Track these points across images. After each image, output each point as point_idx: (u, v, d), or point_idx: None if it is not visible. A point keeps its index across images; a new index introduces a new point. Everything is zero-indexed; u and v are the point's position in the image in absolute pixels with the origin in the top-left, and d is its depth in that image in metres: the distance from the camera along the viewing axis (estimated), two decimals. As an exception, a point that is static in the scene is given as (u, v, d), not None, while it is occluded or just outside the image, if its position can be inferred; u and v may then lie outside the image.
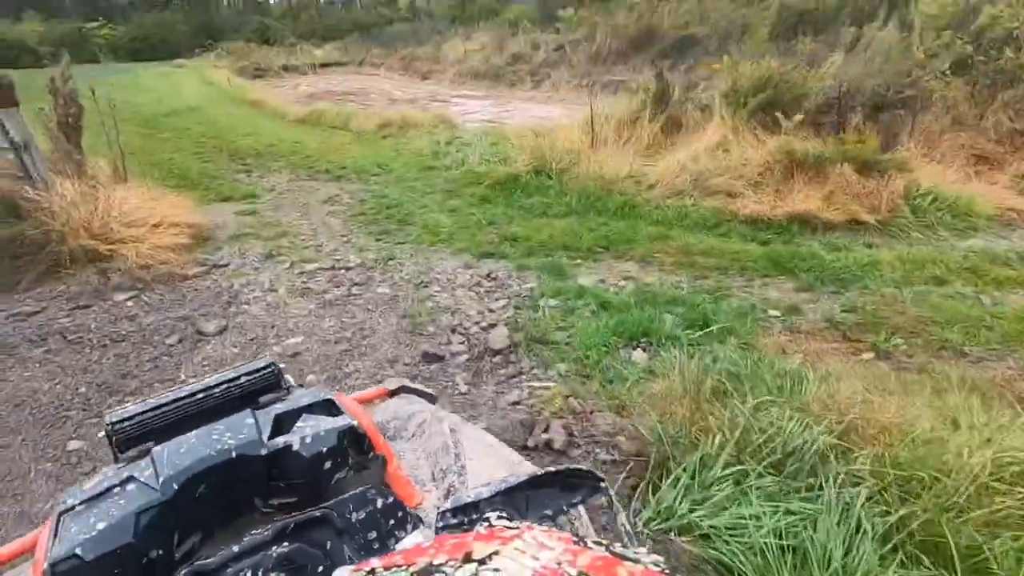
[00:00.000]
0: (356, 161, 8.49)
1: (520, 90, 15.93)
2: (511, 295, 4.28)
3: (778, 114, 6.39)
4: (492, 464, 0.86)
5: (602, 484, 0.61)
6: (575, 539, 0.42)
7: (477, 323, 3.88)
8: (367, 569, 0.40)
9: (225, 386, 0.84)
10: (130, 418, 0.79)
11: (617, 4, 15.29)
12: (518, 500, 0.57)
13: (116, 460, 0.77)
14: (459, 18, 32.00)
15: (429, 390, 1.11)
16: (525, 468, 0.85)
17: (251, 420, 0.72)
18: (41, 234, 4.57)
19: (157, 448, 0.69)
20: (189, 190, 6.85)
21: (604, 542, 0.42)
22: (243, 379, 0.86)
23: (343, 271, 4.81)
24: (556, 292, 4.21)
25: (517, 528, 0.45)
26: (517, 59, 17.09)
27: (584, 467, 0.63)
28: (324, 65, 29.03)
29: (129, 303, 4.32)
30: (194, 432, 0.71)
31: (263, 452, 0.67)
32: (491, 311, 4.06)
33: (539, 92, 15.14)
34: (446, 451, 0.86)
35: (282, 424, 0.73)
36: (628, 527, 0.67)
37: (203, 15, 38.66)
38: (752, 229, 5.41)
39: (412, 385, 1.09)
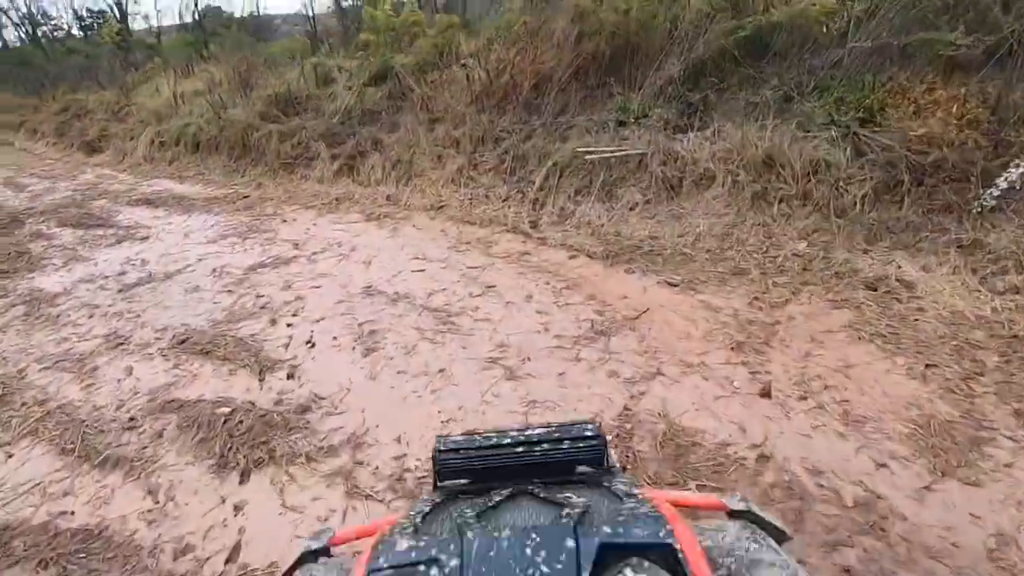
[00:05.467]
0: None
1: (310, 180, 6.50)
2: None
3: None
4: None
5: None
6: None
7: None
8: None
9: (547, 447, 0.74)
10: (456, 451, 0.75)
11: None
12: None
13: (435, 485, 0.77)
14: (193, 44, 20.65)
15: (779, 523, 0.70)
16: None
17: (572, 544, 0.53)
18: None
19: (469, 538, 0.56)
20: None
21: None
22: (567, 444, 0.74)
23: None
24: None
25: None
26: (284, 103, 7.61)
27: None
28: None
29: None
30: (507, 536, 0.55)
31: None
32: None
33: (373, 188, 5.93)
34: None
35: (606, 559, 0.52)
36: None
37: None
38: None
39: (761, 513, 0.71)
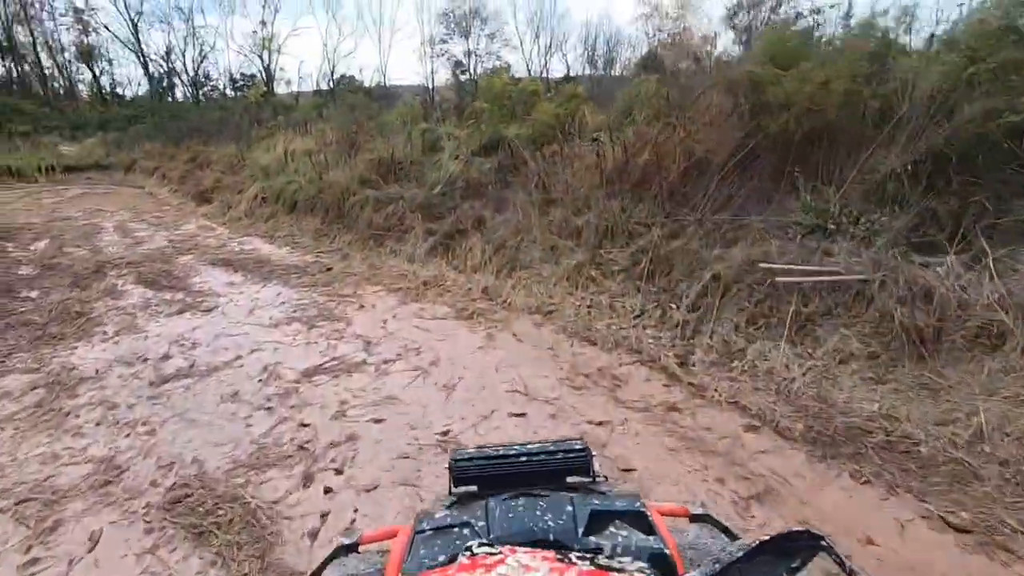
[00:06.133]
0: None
1: (399, 256, 5.69)
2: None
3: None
4: None
5: (823, 543, 0.53)
6: (560, 557, 0.47)
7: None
8: None
9: (544, 457, 0.89)
10: (468, 460, 0.88)
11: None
12: None
13: (450, 490, 0.88)
14: (321, 106, 21.96)
15: (729, 525, 0.89)
16: None
17: (570, 508, 0.73)
18: None
19: (491, 503, 0.75)
20: None
21: (589, 556, 0.48)
22: (560, 455, 0.90)
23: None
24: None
25: (500, 553, 0.48)
26: (386, 168, 7.04)
27: (800, 528, 0.54)
28: (73, 169, 17.78)
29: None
30: (521, 500, 0.76)
31: (576, 547, 0.66)
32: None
33: (473, 299, 4.96)
34: None
35: (595, 522, 0.71)
36: None
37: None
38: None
39: (716, 517, 0.90)
